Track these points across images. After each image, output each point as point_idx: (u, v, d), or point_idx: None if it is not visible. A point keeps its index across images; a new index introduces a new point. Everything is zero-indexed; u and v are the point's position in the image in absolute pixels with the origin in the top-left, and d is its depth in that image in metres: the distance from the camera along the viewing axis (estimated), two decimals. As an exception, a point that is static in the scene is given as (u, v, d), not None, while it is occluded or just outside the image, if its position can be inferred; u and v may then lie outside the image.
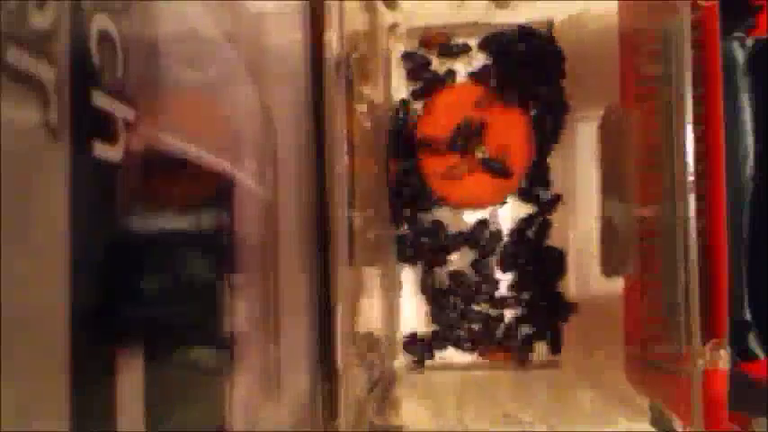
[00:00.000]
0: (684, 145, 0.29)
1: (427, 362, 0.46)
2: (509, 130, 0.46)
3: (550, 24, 0.46)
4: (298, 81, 0.32)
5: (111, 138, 0.16)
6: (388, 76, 0.47)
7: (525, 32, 0.46)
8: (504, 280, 0.46)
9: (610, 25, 0.39)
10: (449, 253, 0.47)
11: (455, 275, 0.46)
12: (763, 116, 0.34)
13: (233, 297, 0.24)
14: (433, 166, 0.46)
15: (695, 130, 0.29)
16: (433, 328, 0.46)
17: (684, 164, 0.29)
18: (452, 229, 0.47)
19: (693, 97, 0.29)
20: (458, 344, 0.46)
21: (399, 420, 0.36)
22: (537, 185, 0.46)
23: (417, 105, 0.47)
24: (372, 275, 0.39)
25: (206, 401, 0.22)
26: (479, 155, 0.45)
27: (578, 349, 0.45)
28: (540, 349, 0.46)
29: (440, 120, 0.46)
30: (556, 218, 0.46)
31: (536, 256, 0.46)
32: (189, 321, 0.21)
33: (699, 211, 0.29)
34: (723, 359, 0.29)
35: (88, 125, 0.15)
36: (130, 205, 0.17)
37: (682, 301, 0.29)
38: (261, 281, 0.27)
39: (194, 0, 0.22)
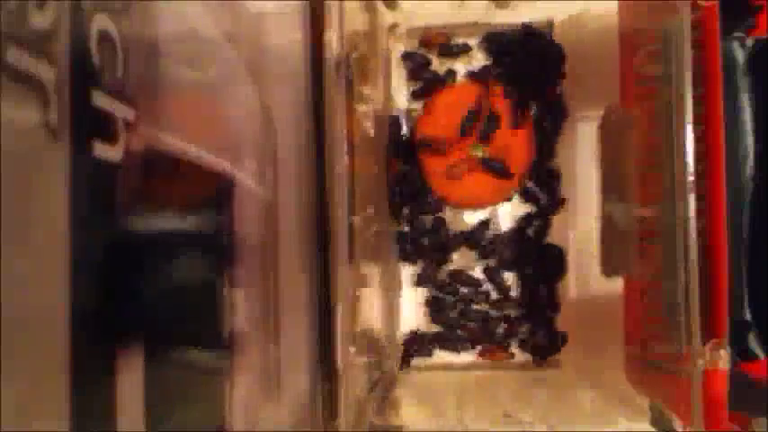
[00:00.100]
0: (684, 145, 0.29)
1: (427, 362, 0.46)
2: (509, 130, 0.46)
3: (550, 24, 0.46)
4: (298, 81, 0.32)
5: (111, 138, 0.16)
6: (388, 76, 0.47)
7: (525, 32, 0.46)
8: (506, 280, 0.46)
9: (610, 25, 0.39)
10: (449, 251, 0.47)
11: (455, 275, 0.46)
12: (763, 116, 0.34)
13: (233, 297, 0.24)
14: (434, 166, 0.46)
15: (695, 130, 0.29)
16: (434, 328, 0.46)
17: (684, 164, 0.29)
18: (453, 229, 0.47)
19: (693, 97, 0.29)
20: (458, 344, 0.46)
21: (399, 420, 0.36)
22: (537, 186, 0.46)
23: (417, 105, 0.47)
24: (372, 275, 0.39)
25: (206, 401, 0.22)
26: (479, 154, 0.45)
27: (578, 349, 0.45)
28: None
29: (440, 120, 0.46)
30: (556, 218, 0.46)
31: (536, 255, 0.46)
32: (189, 321, 0.21)
33: (699, 211, 0.29)
34: (723, 359, 0.29)
35: (88, 125, 0.15)
36: (130, 205, 0.17)
37: (682, 301, 0.29)
38: (261, 281, 0.27)
39: (194, 0, 0.22)
